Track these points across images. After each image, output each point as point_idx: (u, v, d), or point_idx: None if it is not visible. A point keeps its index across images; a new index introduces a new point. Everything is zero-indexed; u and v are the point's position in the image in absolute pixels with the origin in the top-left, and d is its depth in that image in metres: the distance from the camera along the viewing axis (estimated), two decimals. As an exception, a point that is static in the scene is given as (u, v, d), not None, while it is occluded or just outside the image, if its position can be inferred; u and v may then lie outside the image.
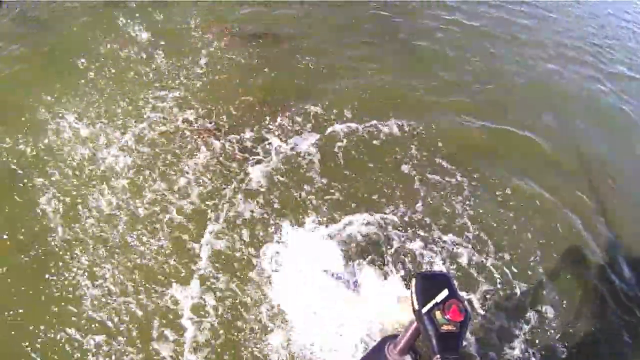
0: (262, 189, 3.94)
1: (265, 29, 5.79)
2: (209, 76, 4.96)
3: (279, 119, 4.56)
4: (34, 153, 3.96)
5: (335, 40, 5.92)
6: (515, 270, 3.77)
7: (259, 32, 5.72)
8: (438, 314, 1.56)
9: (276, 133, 4.43)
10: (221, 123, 4.46)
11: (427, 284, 1.63)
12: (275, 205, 3.85)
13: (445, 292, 1.58)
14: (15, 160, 3.88)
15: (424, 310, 1.56)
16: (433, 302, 1.57)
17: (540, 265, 3.88)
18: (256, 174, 4.05)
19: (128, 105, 4.48)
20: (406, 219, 3.93)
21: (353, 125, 4.66)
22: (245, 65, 5.21)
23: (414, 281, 1.65)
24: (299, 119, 4.62)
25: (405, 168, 4.38)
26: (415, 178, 4.30)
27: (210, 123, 4.42)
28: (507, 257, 3.83)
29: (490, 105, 5.43)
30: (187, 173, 3.97)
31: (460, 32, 6.62)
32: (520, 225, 4.13)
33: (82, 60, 4.90)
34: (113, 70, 4.85)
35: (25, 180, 3.74)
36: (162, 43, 5.28)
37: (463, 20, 6.83)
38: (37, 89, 4.53)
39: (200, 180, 3.94)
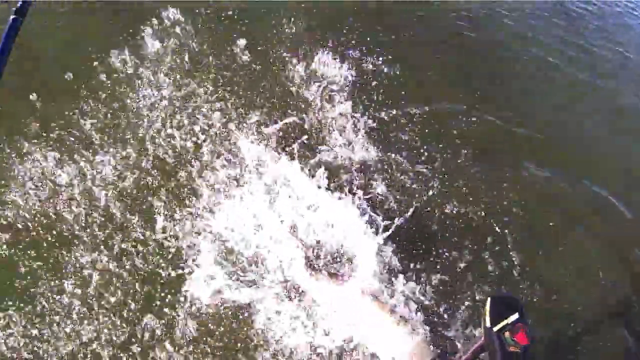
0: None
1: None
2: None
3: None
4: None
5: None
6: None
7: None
8: (507, 334, 1.67)
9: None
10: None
11: (500, 305, 1.74)
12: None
13: (515, 315, 1.69)
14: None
15: (495, 329, 1.68)
16: (504, 322, 1.67)
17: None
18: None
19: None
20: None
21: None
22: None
23: (489, 300, 1.76)
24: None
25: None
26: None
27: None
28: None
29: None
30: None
31: (550, 72, 6.21)
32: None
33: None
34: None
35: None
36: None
37: (552, 59, 6.44)
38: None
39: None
